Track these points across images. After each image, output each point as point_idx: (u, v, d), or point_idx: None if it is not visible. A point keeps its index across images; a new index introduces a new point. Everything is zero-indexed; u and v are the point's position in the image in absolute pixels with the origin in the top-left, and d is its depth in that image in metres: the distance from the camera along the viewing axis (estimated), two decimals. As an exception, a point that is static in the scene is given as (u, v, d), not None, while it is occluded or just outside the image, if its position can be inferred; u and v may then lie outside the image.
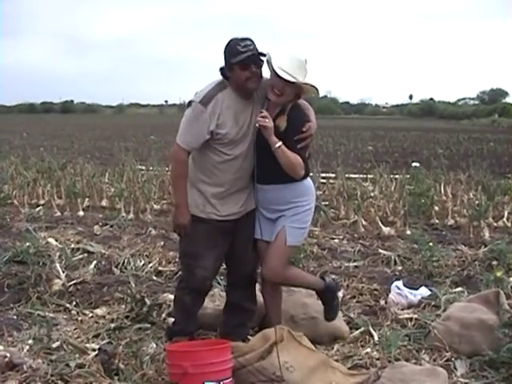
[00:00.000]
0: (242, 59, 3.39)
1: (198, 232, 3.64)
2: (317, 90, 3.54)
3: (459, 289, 4.96)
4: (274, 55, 3.45)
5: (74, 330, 4.21)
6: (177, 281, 5.20)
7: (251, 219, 3.71)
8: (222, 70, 3.55)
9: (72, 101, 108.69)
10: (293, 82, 3.43)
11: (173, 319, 4.12)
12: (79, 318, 4.43)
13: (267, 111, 3.52)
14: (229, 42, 3.49)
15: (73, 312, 4.55)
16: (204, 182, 3.63)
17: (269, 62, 3.48)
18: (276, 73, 3.41)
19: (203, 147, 3.58)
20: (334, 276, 5.28)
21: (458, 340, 3.78)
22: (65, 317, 4.46)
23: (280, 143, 3.44)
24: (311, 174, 4.06)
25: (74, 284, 5.03)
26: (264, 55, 3.47)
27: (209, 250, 3.64)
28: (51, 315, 4.41)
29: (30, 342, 3.87)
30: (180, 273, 5.19)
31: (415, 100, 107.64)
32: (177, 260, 5.80)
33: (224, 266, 3.98)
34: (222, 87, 3.52)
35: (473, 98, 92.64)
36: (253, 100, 3.59)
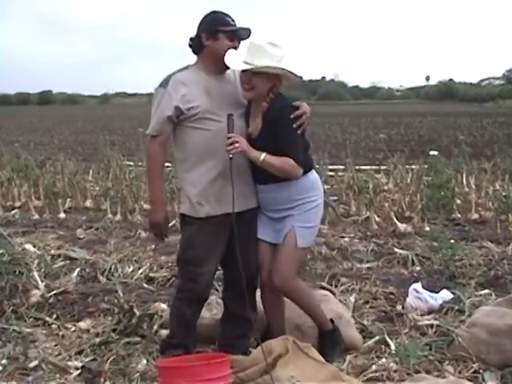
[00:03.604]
0: (233, 30, 3.59)
1: (196, 234, 3.65)
2: (281, 69, 3.50)
3: (486, 291, 4.94)
4: (232, 52, 3.57)
5: (55, 346, 4.18)
6: (170, 288, 5.23)
7: (253, 217, 3.73)
8: (194, 39, 3.67)
9: (50, 91, 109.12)
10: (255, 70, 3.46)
11: (165, 331, 4.11)
12: (60, 333, 4.40)
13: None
14: (213, 13, 3.67)
15: (53, 326, 4.52)
16: (193, 173, 3.64)
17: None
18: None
19: (182, 133, 3.63)
20: (344, 279, 5.28)
21: (485, 349, 3.74)
22: (44, 332, 4.43)
23: (263, 156, 3.46)
24: (317, 167, 4.05)
25: (55, 295, 5.01)
26: (248, 32, 3.63)
27: (211, 253, 3.65)
28: (28, 330, 4.38)
29: (4, 361, 3.83)
30: (176, 280, 5.20)
31: (433, 81, 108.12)
32: (169, 265, 5.80)
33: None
34: (182, 70, 3.70)
35: (498, 78, 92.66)
36: (228, 80, 3.69)
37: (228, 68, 3.62)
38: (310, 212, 3.64)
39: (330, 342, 3.81)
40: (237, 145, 3.43)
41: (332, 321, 3.89)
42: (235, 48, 3.59)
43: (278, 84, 3.57)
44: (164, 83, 3.64)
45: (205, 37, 3.61)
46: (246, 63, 3.48)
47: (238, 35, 3.61)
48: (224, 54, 3.55)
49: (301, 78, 3.67)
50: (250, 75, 3.49)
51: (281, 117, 3.51)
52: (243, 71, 3.52)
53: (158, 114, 3.63)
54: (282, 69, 3.50)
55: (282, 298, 3.84)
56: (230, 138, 3.45)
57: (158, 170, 3.72)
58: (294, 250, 3.64)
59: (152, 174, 3.75)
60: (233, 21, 3.61)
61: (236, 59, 3.51)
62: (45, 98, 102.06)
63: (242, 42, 3.65)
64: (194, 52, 3.70)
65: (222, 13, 3.66)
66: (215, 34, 3.58)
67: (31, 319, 4.62)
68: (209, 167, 3.60)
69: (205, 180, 3.61)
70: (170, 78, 3.63)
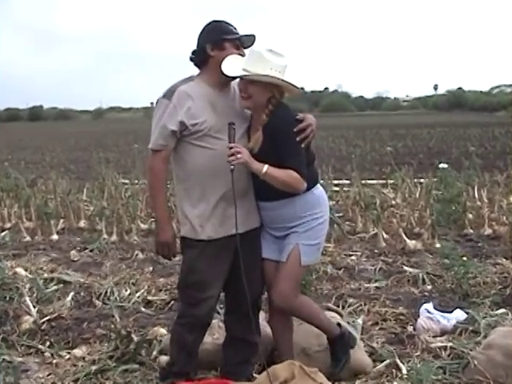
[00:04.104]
0: (238, 37, 3.58)
1: (197, 257, 3.63)
2: (278, 79, 3.47)
3: (502, 310, 4.93)
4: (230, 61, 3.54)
5: (48, 375, 4.16)
6: (169, 312, 5.22)
7: (257, 237, 3.73)
8: (197, 51, 3.64)
9: (41, 106, 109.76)
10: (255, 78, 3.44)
11: (165, 358, 4.10)
12: (54, 361, 4.37)
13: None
14: (215, 22, 3.65)
15: (46, 354, 4.49)
16: (193, 194, 3.61)
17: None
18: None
19: (183, 150, 3.60)
20: (352, 299, 5.27)
21: (503, 373, 3.70)
22: (37, 360, 4.41)
23: (265, 168, 3.43)
24: (321, 181, 4.07)
25: (48, 320, 4.99)
26: (253, 38, 3.61)
27: (214, 278, 3.64)
28: (20, 359, 4.36)
29: (-6, 393, 3.83)
30: (175, 304, 5.20)
31: (441, 91, 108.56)
32: (168, 288, 5.80)
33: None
34: (187, 81, 3.64)
35: (510, 85, 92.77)
36: (233, 96, 3.66)
37: (232, 79, 3.60)
38: (315, 229, 3.64)
39: (340, 346, 3.82)
40: (239, 156, 3.39)
41: (339, 324, 3.91)
42: (241, 55, 3.57)
43: (277, 95, 3.54)
44: (168, 94, 3.57)
45: (210, 47, 3.56)
46: (245, 70, 3.46)
47: (243, 43, 3.59)
48: None
49: (302, 89, 3.63)
50: (247, 83, 3.48)
51: (282, 129, 3.50)
52: (240, 79, 3.51)
53: (161, 127, 3.57)
54: (277, 78, 3.46)
55: (291, 319, 3.84)
56: (231, 148, 3.40)
57: (161, 187, 3.67)
58: (297, 267, 3.64)
59: (155, 191, 3.69)
60: (235, 29, 3.61)
61: (233, 66, 3.49)
62: (35, 114, 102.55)
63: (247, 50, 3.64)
64: (197, 65, 3.65)
65: (224, 22, 3.64)
66: (221, 44, 3.55)
67: (23, 347, 4.60)
68: (211, 189, 3.57)
69: (206, 202, 3.58)
70: (175, 90, 3.56)
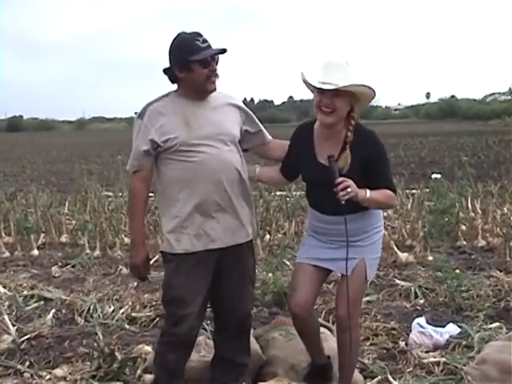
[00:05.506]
0: (205, 57, 3.49)
1: (174, 272, 3.63)
2: (372, 89, 3.45)
3: (496, 324, 4.94)
4: (307, 71, 3.50)
5: (28, 396, 4.14)
6: (154, 329, 5.21)
7: (242, 253, 3.72)
8: (167, 70, 3.62)
9: (21, 116, 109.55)
10: (337, 89, 3.39)
11: (149, 376, 4.10)
12: (34, 382, 4.33)
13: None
14: (181, 37, 3.57)
15: (25, 375, 4.45)
16: (169, 207, 3.64)
17: (305, 82, 3.51)
18: (317, 88, 3.43)
19: (161, 164, 3.63)
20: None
21: (498, 388, 3.73)
22: (15, 381, 4.36)
23: (368, 194, 3.39)
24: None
25: (28, 339, 4.97)
26: (223, 52, 3.55)
27: (191, 294, 3.61)
28: (-3, 380, 4.34)
29: (-28, 415, 3.81)
30: (160, 321, 5.20)
31: (433, 99, 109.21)
32: (153, 304, 5.79)
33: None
34: (162, 98, 3.66)
35: (504, 93, 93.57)
36: (214, 106, 3.64)
37: (212, 91, 3.60)
38: (377, 242, 3.68)
39: None
40: (349, 190, 3.30)
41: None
42: (213, 71, 3.52)
43: (354, 108, 3.50)
44: (141, 114, 3.63)
45: (177, 69, 3.54)
46: (324, 83, 3.39)
47: (213, 58, 3.53)
48: (202, 82, 3.52)
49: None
50: (332, 97, 3.40)
51: (378, 149, 3.50)
52: (321, 93, 3.42)
53: (134, 148, 3.62)
54: (370, 88, 3.43)
55: (312, 324, 3.83)
56: (339, 183, 3.30)
57: (139, 207, 3.69)
58: (363, 282, 3.66)
59: (133, 211, 3.73)
60: (203, 42, 3.51)
61: (312, 78, 3.44)
62: (14, 124, 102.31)
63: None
64: (172, 81, 3.63)
65: (190, 34, 3.54)
66: (188, 66, 3.50)
67: (1, 367, 4.55)
68: (185, 201, 3.57)
69: (180, 214, 3.58)
70: (147, 109, 3.61)
